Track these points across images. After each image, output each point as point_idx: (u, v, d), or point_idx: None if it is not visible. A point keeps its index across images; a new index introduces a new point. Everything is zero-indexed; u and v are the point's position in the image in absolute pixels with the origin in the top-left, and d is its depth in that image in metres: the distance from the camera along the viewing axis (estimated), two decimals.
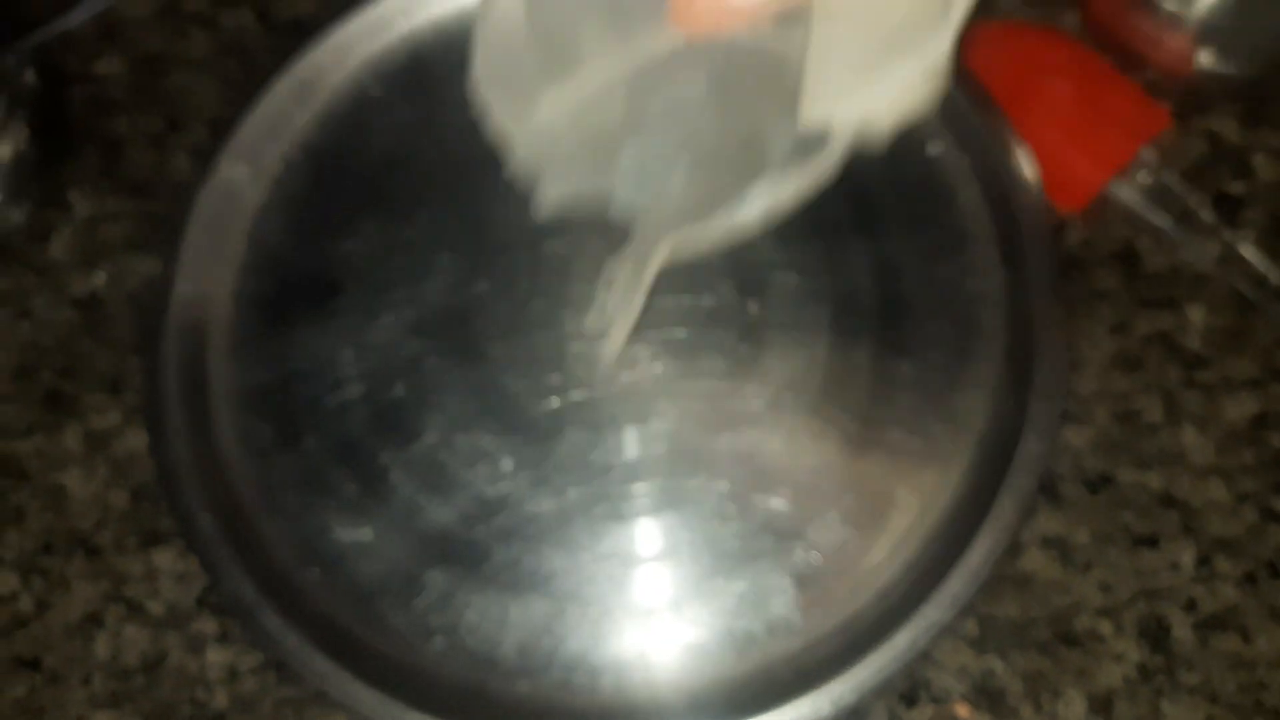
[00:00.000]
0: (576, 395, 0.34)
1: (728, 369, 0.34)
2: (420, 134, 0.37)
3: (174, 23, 0.44)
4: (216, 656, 0.36)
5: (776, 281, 0.35)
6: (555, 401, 0.34)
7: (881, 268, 0.35)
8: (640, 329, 0.33)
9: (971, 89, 0.35)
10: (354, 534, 0.33)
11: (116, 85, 0.43)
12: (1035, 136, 0.35)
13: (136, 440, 0.39)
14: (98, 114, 0.43)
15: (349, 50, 0.39)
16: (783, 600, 0.33)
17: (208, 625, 0.36)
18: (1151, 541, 0.36)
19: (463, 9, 0.38)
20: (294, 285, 0.36)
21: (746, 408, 0.34)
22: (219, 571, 0.32)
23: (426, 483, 0.33)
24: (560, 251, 0.35)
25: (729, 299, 0.35)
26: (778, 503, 0.33)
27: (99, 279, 0.41)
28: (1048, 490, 0.36)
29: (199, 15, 0.44)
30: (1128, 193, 0.39)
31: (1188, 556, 0.36)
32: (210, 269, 0.36)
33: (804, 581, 0.32)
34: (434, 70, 0.38)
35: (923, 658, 0.33)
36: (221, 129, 0.37)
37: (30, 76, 0.41)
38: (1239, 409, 0.37)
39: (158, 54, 0.44)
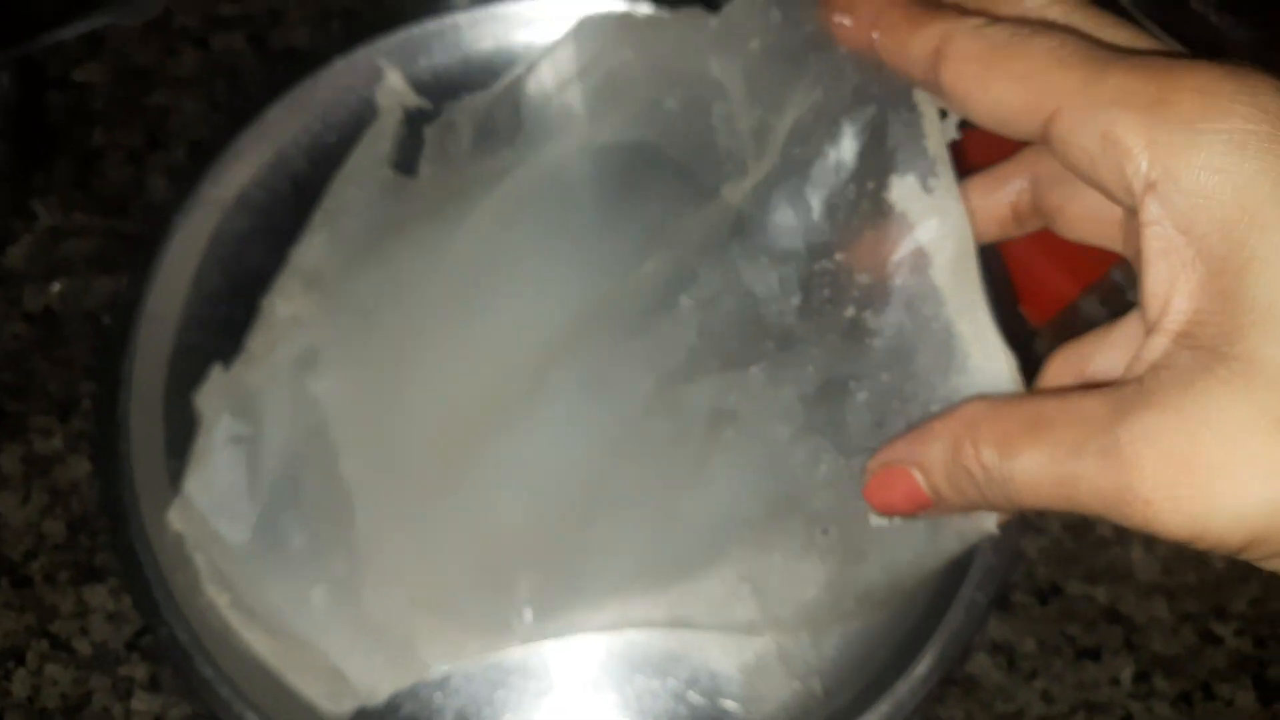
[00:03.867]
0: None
1: None
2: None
3: (163, 38, 0.43)
4: (144, 704, 0.34)
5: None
6: None
7: None
8: None
9: None
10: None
11: (97, 96, 0.42)
12: (1010, 247, 0.36)
13: (79, 470, 0.37)
14: (75, 124, 0.42)
15: (349, 86, 0.38)
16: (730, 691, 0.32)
17: (138, 670, 0.35)
18: (1094, 654, 0.36)
19: (466, 59, 0.38)
20: None
21: None
22: (155, 611, 0.31)
23: None
24: None
25: None
26: None
27: (55, 290, 0.39)
28: (999, 597, 0.36)
29: (189, 32, 0.44)
30: (1096, 308, 0.40)
31: (1128, 672, 0.36)
32: (182, 292, 0.35)
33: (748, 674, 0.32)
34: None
35: None
36: (203, 152, 0.37)
37: (7, 80, 0.39)
38: None
39: (143, 67, 0.43)
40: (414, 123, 0.36)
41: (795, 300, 0.26)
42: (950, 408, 0.22)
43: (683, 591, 0.28)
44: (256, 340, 0.34)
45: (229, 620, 0.31)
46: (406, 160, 0.35)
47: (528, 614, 0.30)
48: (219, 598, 0.31)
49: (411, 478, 0.31)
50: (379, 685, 0.31)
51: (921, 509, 0.22)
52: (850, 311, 0.25)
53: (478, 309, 0.31)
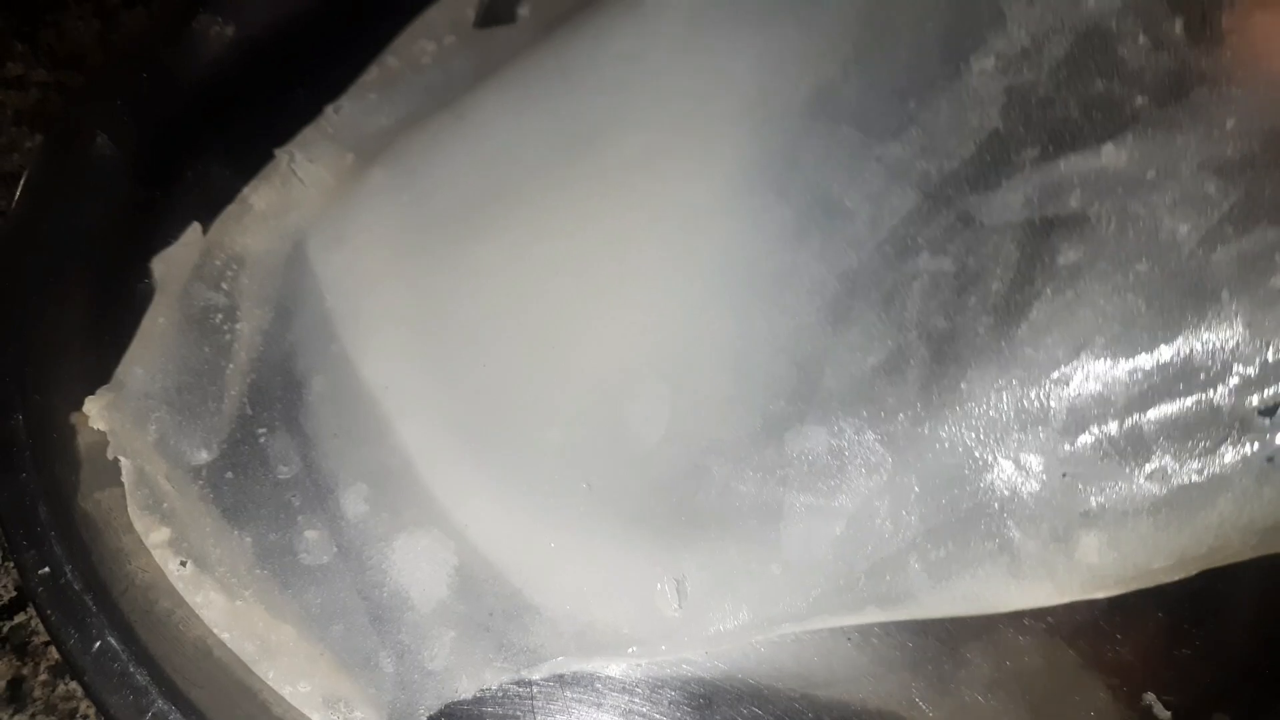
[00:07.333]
0: None
1: None
2: None
3: None
4: None
5: None
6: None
7: None
8: None
9: None
10: None
11: None
12: None
13: None
14: None
15: None
16: None
17: None
18: None
19: None
20: None
21: None
22: (40, 555, 0.19)
23: None
24: None
25: None
26: None
27: None
28: None
29: None
30: None
31: None
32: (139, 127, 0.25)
33: None
34: None
35: None
36: None
37: None
38: None
39: None
40: None
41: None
42: None
43: (965, 549, 0.17)
44: (260, 195, 0.24)
45: (165, 572, 0.19)
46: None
47: (675, 595, 0.19)
48: (152, 533, 0.19)
49: (496, 389, 0.20)
50: (410, 703, 0.18)
51: None
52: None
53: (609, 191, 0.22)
